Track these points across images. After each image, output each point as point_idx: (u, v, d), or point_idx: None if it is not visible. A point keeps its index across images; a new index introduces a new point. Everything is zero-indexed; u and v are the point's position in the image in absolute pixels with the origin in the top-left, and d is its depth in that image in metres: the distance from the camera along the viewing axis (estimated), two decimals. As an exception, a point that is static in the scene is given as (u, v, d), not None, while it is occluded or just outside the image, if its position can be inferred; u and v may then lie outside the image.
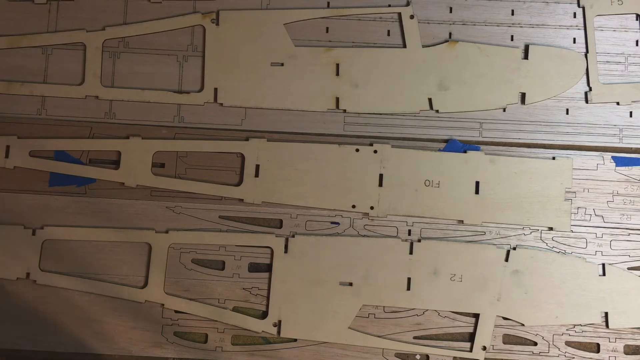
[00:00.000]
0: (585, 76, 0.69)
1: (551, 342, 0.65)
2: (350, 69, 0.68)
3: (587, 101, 0.69)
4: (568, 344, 0.65)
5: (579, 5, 0.70)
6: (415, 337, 0.65)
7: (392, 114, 0.68)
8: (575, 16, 0.70)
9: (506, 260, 0.66)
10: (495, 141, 0.68)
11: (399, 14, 0.69)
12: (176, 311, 0.65)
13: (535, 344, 0.65)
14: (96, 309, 0.65)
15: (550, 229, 0.66)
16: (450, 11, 0.69)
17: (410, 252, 0.66)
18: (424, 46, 0.69)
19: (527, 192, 0.67)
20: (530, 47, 0.69)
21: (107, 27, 0.69)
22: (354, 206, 0.66)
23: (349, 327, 0.65)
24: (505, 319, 0.65)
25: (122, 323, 0.65)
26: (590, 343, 0.65)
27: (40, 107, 0.68)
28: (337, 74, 0.68)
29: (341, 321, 0.65)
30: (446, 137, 0.68)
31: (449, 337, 0.66)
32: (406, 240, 0.66)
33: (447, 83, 0.68)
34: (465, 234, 0.67)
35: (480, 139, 0.68)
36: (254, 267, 0.66)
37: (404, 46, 0.69)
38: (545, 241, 0.66)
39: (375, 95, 0.68)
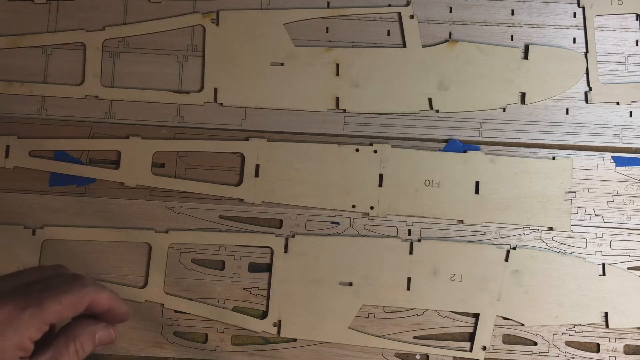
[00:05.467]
0: (585, 76, 0.69)
1: (551, 342, 0.65)
2: (350, 69, 0.68)
3: (587, 101, 0.69)
4: (568, 343, 0.65)
5: (579, 5, 0.70)
6: (415, 337, 0.65)
7: (392, 114, 0.68)
8: (575, 16, 0.70)
9: (506, 260, 0.66)
10: (495, 141, 0.68)
11: (399, 14, 0.69)
12: (176, 311, 0.65)
13: (535, 343, 0.65)
14: (96, 309, 0.65)
15: (550, 229, 0.66)
16: (450, 11, 0.69)
17: (410, 252, 0.66)
18: (424, 46, 0.69)
19: (527, 192, 0.67)
20: (530, 47, 0.69)
21: (107, 27, 0.69)
22: (354, 206, 0.66)
23: (349, 327, 0.65)
24: (505, 319, 0.65)
25: (122, 323, 0.65)
26: (590, 343, 0.65)
27: (40, 107, 0.68)
28: (337, 74, 0.68)
29: (341, 321, 0.65)
30: (446, 137, 0.68)
31: (449, 337, 0.66)
32: (406, 240, 0.66)
33: (447, 83, 0.68)
34: (465, 234, 0.67)
35: (480, 139, 0.68)
36: (254, 267, 0.66)
37: (404, 46, 0.69)
38: (545, 241, 0.66)
39: (375, 95, 0.68)
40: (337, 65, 0.68)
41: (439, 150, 0.67)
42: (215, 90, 0.68)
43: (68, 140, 0.67)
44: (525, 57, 0.69)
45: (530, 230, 0.67)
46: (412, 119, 0.68)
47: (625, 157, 0.68)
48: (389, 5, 0.69)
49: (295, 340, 0.65)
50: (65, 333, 0.39)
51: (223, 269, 0.66)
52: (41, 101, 0.68)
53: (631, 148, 0.68)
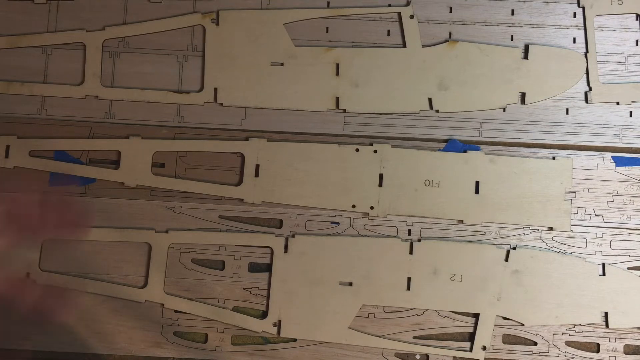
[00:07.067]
0: (585, 76, 0.69)
1: (551, 342, 0.65)
2: (350, 69, 0.68)
3: (587, 101, 0.69)
4: (568, 343, 0.65)
5: (579, 5, 0.70)
6: (415, 337, 0.65)
7: (392, 114, 0.68)
8: (575, 16, 0.70)
9: (506, 260, 0.66)
10: (495, 141, 0.68)
11: (399, 14, 0.69)
12: (176, 311, 0.65)
13: (535, 343, 0.65)
14: (96, 309, 0.65)
15: (550, 228, 0.66)
16: (450, 11, 0.69)
17: (410, 252, 0.66)
18: (424, 46, 0.69)
19: (527, 192, 0.67)
20: (530, 47, 0.69)
21: (107, 27, 0.69)
22: (354, 206, 0.66)
23: (349, 327, 0.65)
24: (505, 318, 0.65)
25: (122, 323, 0.65)
26: (590, 343, 0.65)
27: (40, 107, 0.68)
28: (337, 74, 0.68)
29: (341, 321, 0.65)
30: (446, 137, 0.68)
31: (449, 337, 0.66)
32: (406, 240, 0.66)
33: (447, 83, 0.68)
34: (465, 234, 0.67)
35: (480, 139, 0.68)
36: (254, 267, 0.66)
37: (404, 46, 0.69)
38: (545, 241, 0.66)
39: (375, 95, 0.68)
40: (337, 65, 0.68)
41: (439, 150, 0.67)
42: (215, 90, 0.68)
43: (68, 140, 0.67)
44: (525, 57, 0.69)
45: (530, 230, 0.67)
46: (412, 119, 0.68)
47: (625, 157, 0.68)
48: (389, 5, 0.69)
49: (295, 340, 0.65)
50: None
51: (223, 269, 0.66)
52: (41, 101, 0.68)
53: (631, 148, 0.68)
